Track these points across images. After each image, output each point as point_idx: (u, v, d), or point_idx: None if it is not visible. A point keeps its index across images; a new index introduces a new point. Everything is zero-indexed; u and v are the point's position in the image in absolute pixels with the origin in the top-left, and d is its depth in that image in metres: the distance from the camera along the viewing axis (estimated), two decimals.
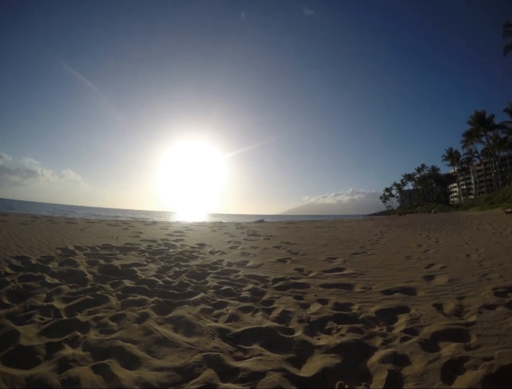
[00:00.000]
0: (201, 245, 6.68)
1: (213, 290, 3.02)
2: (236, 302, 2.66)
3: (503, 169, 51.72)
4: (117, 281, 3.19)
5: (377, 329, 2.16)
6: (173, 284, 3.21)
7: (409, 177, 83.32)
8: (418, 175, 78.19)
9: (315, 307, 2.59)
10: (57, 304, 2.41)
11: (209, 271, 3.90)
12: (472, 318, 2.27)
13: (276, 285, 3.35)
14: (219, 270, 3.99)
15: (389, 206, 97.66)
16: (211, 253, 5.61)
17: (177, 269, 3.92)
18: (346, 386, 1.44)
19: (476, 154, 59.51)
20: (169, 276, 3.58)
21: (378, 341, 1.94)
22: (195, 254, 5.35)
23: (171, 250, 5.59)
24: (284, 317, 2.37)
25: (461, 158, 63.01)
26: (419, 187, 79.32)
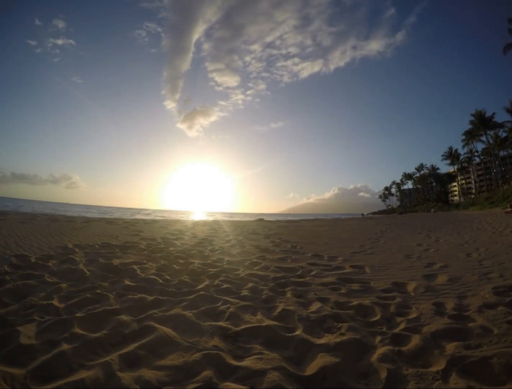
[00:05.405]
0: (201, 243, 6.68)
1: (213, 289, 3.02)
2: (236, 301, 2.66)
3: (503, 169, 51.73)
4: (116, 279, 3.19)
5: (377, 328, 2.16)
6: (172, 283, 3.21)
7: (409, 176, 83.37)
8: (417, 175, 78.24)
9: (315, 306, 2.59)
10: (57, 303, 2.41)
11: (209, 269, 3.90)
12: (472, 317, 2.27)
13: (276, 283, 3.35)
14: (219, 269, 3.99)
15: (388, 205, 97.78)
16: (211, 251, 5.61)
17: (177, 268, 3.91)
18: None
19: (476, 154, 59.55)
20: (169, 275, 3.58)
21: (378, 340, 1.94)
22: (194, 252, 5.34)
23: (171, 248, 5.59)
24: (284, 315, 2.36)
25: (461, 157, 63.02)
26: (419, 186, 79.38)
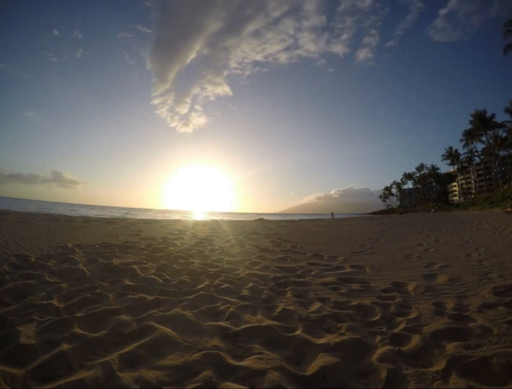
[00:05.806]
0: (201, 243, 6.68)
1: (213, 288, 3.02)
2: (236, 301, 2.66)
3: (503, 169, 51.76)
4: (116, 279, 3.19)
5: (377, 328, 2.16)
6: (172, 282, 3.21)
7: (409, 176, 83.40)
8: (417, 174, 78.30)
9: (315, 306, 2.59)
10: (57, 303, 2.41)
11: (209, 269, 3.90)
12: (472, 317, 2.27)
13: (276, 283, 3.35)
14: (219, 268, 3.99)
15: (388, 205, 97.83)
16: (211, 251, 5.61)
17: (177, 267, 3.91)
18: None
19: (476, 154, 59.56)
20: (169, 274, 3.58)
21: (378, 339, 1.94)
22: (194, 252, 5.35)
23: (170, 248, 5.59)
24: (284, 315, 2.36)
25: (461, 157, 63.05)
26: (419, 186, 79.43)
